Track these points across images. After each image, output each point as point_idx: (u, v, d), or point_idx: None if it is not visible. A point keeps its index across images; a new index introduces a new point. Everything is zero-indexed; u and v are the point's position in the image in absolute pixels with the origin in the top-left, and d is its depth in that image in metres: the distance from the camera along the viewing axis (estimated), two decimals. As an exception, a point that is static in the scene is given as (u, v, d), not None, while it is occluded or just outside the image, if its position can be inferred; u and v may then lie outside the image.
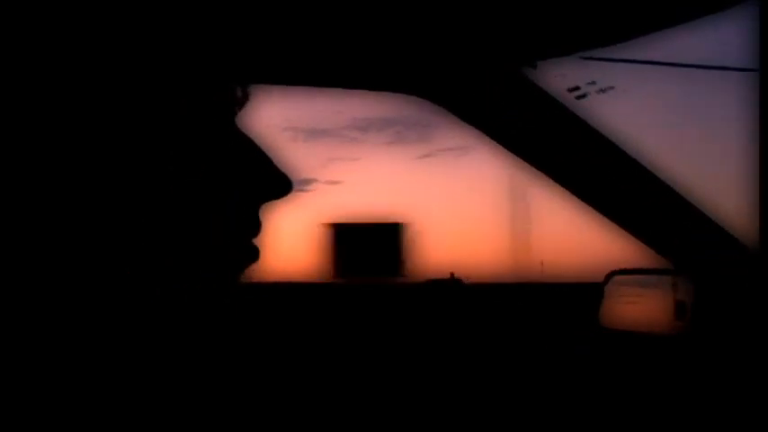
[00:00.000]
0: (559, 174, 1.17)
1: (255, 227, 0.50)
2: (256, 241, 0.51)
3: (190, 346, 0.51)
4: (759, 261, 0.71)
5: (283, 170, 0.51)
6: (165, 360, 0.50)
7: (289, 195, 0.51)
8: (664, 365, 1.50)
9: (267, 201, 0.51)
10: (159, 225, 0.46)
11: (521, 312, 2.20)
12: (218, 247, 0.48)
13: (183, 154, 0.47)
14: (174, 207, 0.46)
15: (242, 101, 0.52)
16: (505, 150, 1.12)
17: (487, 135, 1.08)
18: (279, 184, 0.50)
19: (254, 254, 0.50)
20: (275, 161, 0.51)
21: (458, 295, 2.71)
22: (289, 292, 2.37)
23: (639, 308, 1.64)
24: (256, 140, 0.51)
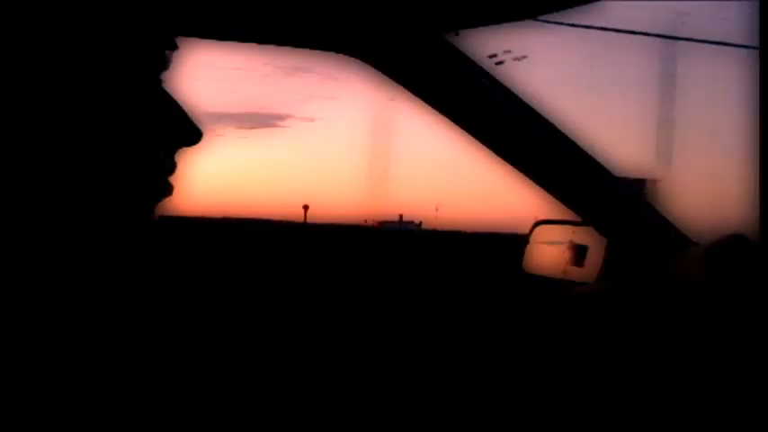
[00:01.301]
0: (483, 133, 1.28)
1: (171, 168, 0.61)
2: (172, 179, 0.62)
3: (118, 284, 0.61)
4: (761, 254, 0.81)
5: (196, 123, 0.63)
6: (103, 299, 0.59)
7: (200, 143, 0.63)
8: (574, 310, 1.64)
9: (181, 147, 0.62)
10: (83, 165, 0.54)
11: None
12: (136, 182, 0.58)
13: (106, 106, 0.54)
14: (97, 149, 0.54)
15: (167, 63, 0.62)
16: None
17: (414, 95, 1.17)
18: (191, 134, 0.61)
19: (169, 189, 0.61)
20: (190, 115, 0.63)
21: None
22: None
23: (559, 256, 1.77)
24: (176, 98, 0.62)
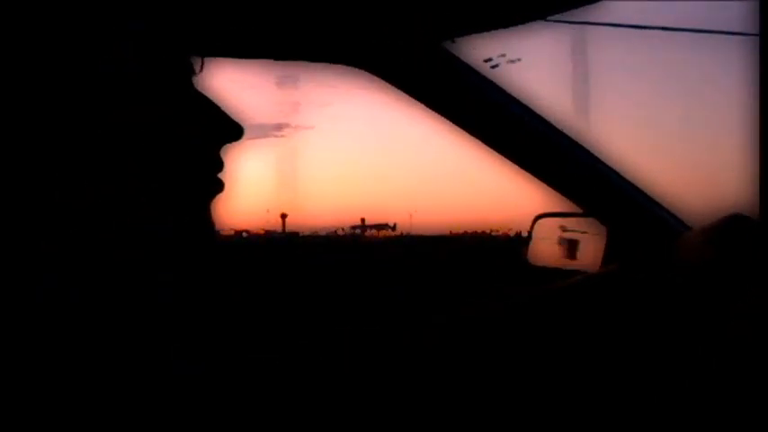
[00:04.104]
0: (482, 132, 1.33)
1: (218, 164, 0.62)
2: (221, 176, 0.62)
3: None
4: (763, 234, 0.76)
5: (235, 119, 0.63)
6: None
7: (241, 139, 0.62)
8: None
9: (225, 143, 0.62)
10: (136, 165, 0.55)
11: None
12: (188, 179, 0.58)
13: (151, 110, 0.56)
14: (146, 150, 0.56)
15: (198, 69, 0.65)
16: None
17: (417, 100, 1.23)
18: (232, 130, 0.62)
19: (219, 185, 0.62)
20: (228, 113, 0.62)
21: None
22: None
23: (561, 247, 1.83)
24: (211, 97, 0.62)
